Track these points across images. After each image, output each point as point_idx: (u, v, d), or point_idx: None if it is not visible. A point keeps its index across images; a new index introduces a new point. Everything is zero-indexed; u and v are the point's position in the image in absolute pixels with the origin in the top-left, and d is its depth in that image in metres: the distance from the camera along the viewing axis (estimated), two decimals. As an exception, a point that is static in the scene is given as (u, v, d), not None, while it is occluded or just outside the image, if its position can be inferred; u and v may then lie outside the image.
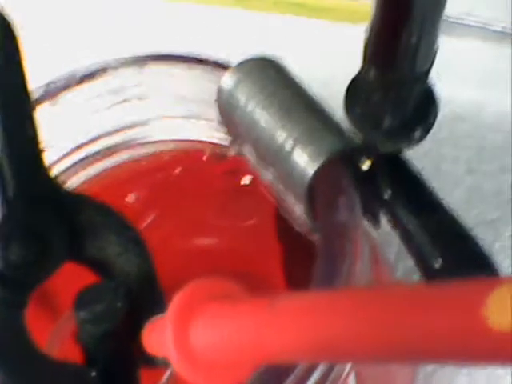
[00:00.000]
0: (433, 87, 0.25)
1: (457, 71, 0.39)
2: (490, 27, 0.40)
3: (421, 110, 0.25)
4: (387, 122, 0.25)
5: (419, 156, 0.35)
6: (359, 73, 0.25)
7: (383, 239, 0.27)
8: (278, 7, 0.41)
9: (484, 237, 0.24)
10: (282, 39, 0.41)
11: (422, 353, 0.14)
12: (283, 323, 0.16)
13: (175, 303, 0.18)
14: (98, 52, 0.27)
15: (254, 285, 0.19)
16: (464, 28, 0.40)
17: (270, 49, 0.25)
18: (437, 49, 0.24)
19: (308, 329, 0.16)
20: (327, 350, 0.16)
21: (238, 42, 0.40)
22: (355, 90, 0.25)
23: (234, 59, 0.24)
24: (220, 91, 0.24)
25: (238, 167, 0.26)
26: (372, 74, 0.24)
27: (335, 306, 0.15)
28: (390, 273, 0.27)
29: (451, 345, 0.13)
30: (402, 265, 0.32)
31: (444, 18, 0.23)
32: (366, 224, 0.25)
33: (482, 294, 0.12)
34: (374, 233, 0.26)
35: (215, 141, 0.27)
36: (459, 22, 0.40)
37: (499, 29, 0.40)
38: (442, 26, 0.23)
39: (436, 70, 0.24)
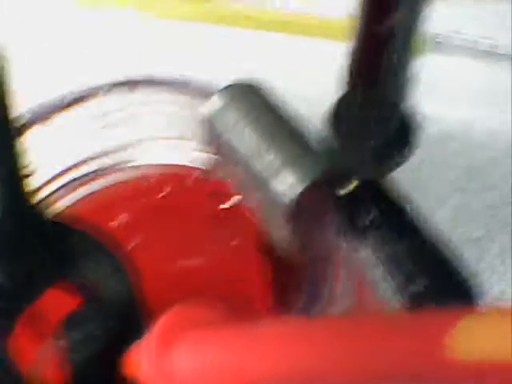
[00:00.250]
0: (415, 107, 0.26)
1: (445, 89, 0.39)
2: (479, 45, 0.40)
3: (404, 130, 0.25)
4: (370, 141, 0.25)
5: (406, 175, 0.36)
6: (342, 92, 0.25)
7: (366, 262, 0.27)
8: (263, 25, 0.42)
9: (470, 255, 0.25)
10: (269, 56, 0.41)
11: (392, 379, 0.14)
12: (264, 350, 0.16)
13: (158, 328, 0.19)
14: (87, 73, 0.27)
15: (239, 306, 0.19)
16: (452, 46, 0.40)
17: (256, 66, 0.25)
18: (415, 69, 0.24)
19: (287, 356, 0.16)
20: (305, 378, 0.16)
21: (223, 60, 0.40)
22: (338, 110, 0.26)
23: (219, 78, 0.25)
24: (204, 117, 0.24)
25: (223, 189, 0.26)
26: (354, 93, 0.25)
27: (312, 335, 0.16)
28: (373, 295, 0.27)
29: (420, 373, 0.13)
30: (385, 287, 0.32)
31: (433, 36, 0.23)
32: (348, 246, 0.25)
33: (449, 324, 0.12)
34: (357, 255, 0.26)
35: (200, 163, 0.27)
36: (448, 40, 0.40)
37: (488, 47, 0.40)
38: (431, 44, 0.24)
39: (424, 88, 0.25)
